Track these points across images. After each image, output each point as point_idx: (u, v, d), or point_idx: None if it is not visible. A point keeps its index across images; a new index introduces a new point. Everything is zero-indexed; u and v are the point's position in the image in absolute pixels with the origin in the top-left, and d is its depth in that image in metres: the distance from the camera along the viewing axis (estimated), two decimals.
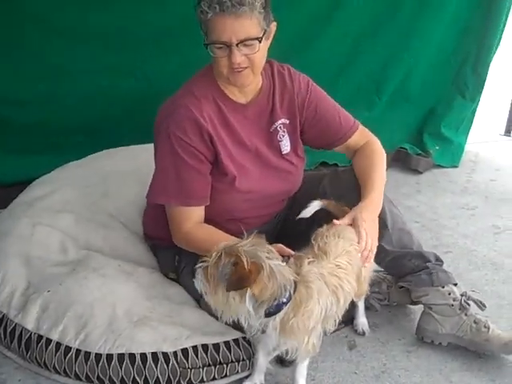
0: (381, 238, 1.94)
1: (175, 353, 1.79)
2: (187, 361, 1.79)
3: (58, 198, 2.43)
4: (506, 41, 4.05)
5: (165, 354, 1.78)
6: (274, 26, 1.83)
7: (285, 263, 1.57)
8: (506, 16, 3.84)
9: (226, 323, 1.74)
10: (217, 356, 1.83)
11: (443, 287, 2.04)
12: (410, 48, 3.78)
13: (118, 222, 2.40)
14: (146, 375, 1.77)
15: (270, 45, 1.87)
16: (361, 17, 3.57)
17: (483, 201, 3.43)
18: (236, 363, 1.85)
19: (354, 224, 1.83)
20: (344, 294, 1.67)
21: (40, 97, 3.07)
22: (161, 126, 1.87)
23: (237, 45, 1.72)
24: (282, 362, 1.90)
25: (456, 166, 3.96)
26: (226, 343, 1.85)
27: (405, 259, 2.07)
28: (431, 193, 3.55)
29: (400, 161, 3.89)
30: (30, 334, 1.87)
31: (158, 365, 1.77)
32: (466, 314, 2.02)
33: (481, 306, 2.07)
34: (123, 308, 1.90)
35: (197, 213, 1.92)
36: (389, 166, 3.67)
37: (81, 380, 1.82)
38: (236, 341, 1.87)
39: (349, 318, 2.11)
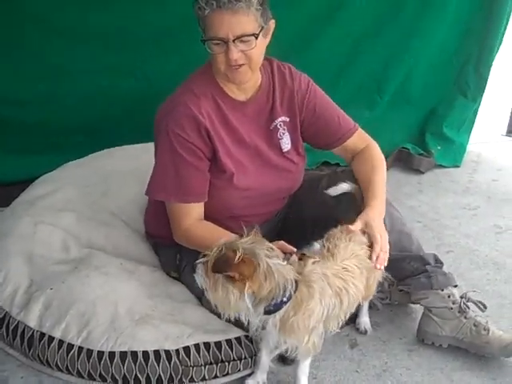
0: None
1: (177, 351, 1.79)
2: (189, 359, 1.80)
3: (59, 196, 2.44)
4: (507, 41, 4.05)
5: (167, 352, 1.79)
6: (272, 23, 1.84)
7: (285, 261, 1.57)
8: (508, 16, 3.83)
9: (227, 321, 1.74)
10: (219, 354, 1.83)
11: (442, 290, 2.04)
12: (411, 48, 3.78)
13: (120, 221, 2.41)
14: (148, 373, 1.77)
15: (269, 43, 1.87)
16: (363, 17, 3.57)
17: (485, 201, 3.42)
18: (238, 361, 1.85)
19: (367, 228, 1.83)
20: (348, 296, 1.66)
21: (40, 97, 3.08)
22: (160, 124, 1.89)
23: (233, 41, 1.72)
24: (284, 360, 1.90)
25: (458, 166, 3.95)
26: (228, 341, 1.86)
27: (404, 262, 2.06)
28: (433, 193, 3.55)
29: (402, 161, 3.89)
30: (33, 332, 1.88)
31: (160, 363, 1.78)
32: (465, 317, 2.01)
33: (481, 307, 2.06)
34: (125, 306, 1.91)
35: (196, 209, 1.93)
36: (390, 165, 3.76)
37: (83, 377, 1.83)
38: (238, 339, 1.87)
39: (351, 317, 2.11)
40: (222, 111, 1.91)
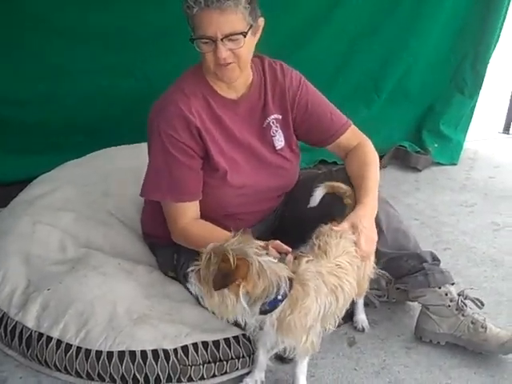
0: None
1: (175, 350, 1.80)
2: (187, 358, 1.80)
3: (58, 196, 2.44)
4: (504, 38, 4.05)
5: (165, 351, 1.79)
6: (261, 21, 1.84)
7: (276, 260, 1.56)
8: (505, 13, 3.84)
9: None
10: (217, 353, 1.84)
11: (440, 288, 2.04)
12: (408, 46, 3.78)
13: (117, 220, 2.41)
14: (146, 372, 1.78)
15: (258, 40, 1.87)
16: (360, 15, 3.57)
17: (482, 198, 3.43)
18: (236, 360, 1.86)
19: (353, 230, 1.81)
20: (344, 293, 1.67)
21: (40, 97, 3.08)
22: (152, 124, 1.90)
23: (222, 39, 1.72)
24: (282, 359, 1.90)
25: (455, 164, 3.95)
26: (226, 340, 1.86)
27: (401, 260, 2.06)
28: (430, 190, 3.55)
29: (399, 158, 3.90)
30: (31, 332, 1.88)
31: (159, 362, 1.78)
32: (463, 315, 2.02)
33: (479, 304, 2.07)
34: (123, 306, 1.91)
35: (191, 208, 1.94)
36: (388, 163, 3.77)
37: (82, 377, 1.83)
38: (236, 338, 1.88)
39: (348, 315, 2.12)
40: (212, 110, 1.92)
